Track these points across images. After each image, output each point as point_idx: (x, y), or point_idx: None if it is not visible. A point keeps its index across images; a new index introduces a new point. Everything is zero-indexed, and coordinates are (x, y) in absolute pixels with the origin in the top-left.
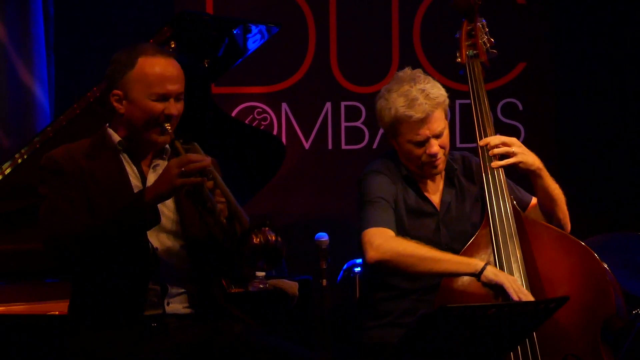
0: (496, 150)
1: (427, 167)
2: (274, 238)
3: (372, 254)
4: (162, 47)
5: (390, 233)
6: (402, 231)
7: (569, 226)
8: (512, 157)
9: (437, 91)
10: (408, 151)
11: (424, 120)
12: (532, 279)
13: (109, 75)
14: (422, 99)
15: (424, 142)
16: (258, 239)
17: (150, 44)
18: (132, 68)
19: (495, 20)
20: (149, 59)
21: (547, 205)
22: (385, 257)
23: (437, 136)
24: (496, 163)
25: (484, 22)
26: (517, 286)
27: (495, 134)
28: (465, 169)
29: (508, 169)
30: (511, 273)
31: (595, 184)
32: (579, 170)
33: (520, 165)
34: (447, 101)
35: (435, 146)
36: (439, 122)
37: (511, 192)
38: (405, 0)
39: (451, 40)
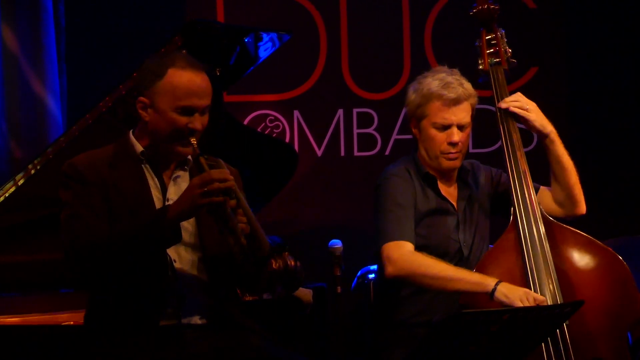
0: (511, 103)
1: (442, 158)
2: (293, 264)
3: (389, 270)
4: (194, 59)
5: (408, 247)
6: (423, 231)
7: (583, 204)
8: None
9: (470, 86)
10: (430, 136)
11: (454, 102)
12: (563, 283)
13: (137, 80)
14: (457, 85)
15: (448, 128)
16: (277, 264)
17: (183, 54)
18: (161, 78)
19: (507, 26)
20: (178, 71)
21: (561, 176)
22: (401, 274)
23: (460, 127)
24: (505, 102)
25: (503, 32)
26: (532, 301)
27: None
28: (474, 175)
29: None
30: (541, 278)
31: (609, 188)
32: (592, 174)
33: (535, 124)
34: (476, 101)
35: (457, 135)
36: (465, 114)
37: None
38: (416, 6)
39: (463, 45)
